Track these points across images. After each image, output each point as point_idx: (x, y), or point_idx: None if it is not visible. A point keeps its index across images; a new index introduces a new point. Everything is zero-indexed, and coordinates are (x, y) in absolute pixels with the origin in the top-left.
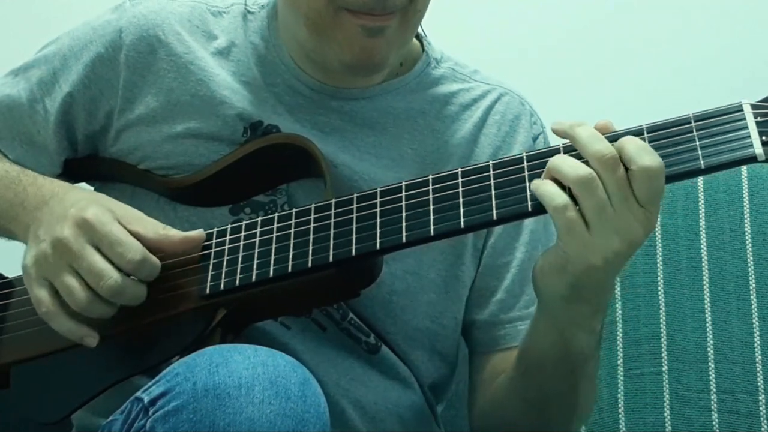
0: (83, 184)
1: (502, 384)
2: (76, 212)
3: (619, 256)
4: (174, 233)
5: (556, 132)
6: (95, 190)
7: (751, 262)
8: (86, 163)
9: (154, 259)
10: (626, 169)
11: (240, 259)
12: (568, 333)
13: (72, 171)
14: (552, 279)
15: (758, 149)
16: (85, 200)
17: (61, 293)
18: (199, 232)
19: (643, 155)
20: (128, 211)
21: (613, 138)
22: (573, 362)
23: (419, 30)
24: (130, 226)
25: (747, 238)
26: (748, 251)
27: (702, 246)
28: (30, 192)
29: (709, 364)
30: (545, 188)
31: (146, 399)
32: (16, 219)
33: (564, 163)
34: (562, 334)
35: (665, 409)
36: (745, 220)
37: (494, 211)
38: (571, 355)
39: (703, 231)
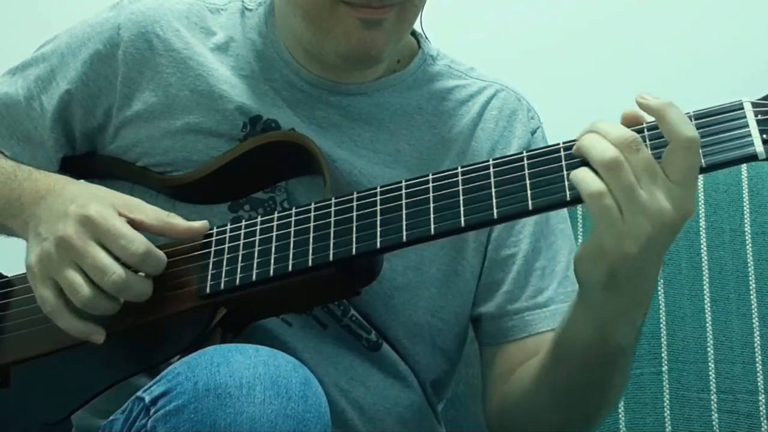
0: (81, 182)
1: (529, 373)
2: (78, 209)
3: (652, 241)
4: (178, 221)
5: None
6: None
7: (751, 262)
8: (84, 161)
9: (159, 252)
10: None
11: (240, 258)
12: (610, 326)
13: (70, 168)
14: (589, 267)
15: (759, 147)
16: (84, 195)
17: (65, 290)
18: (203, 223)
19: (684, 126)
20: (128, 201)
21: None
22: (609, 355)
23: (418, 28)
24: (131, 214)
25: (747, 238)
26: (748, 251)
27: (702, 246)
28: (26, 187)
29: (709, 364)
30: (581, 175)
31: (147, 398)
32: (13, 215)
33: (592, 146)
34: (603, 326)
35: (665, 409)
36: (745, 220)
37: (495, 210)
38: (609, 347)
39: (703, 231)
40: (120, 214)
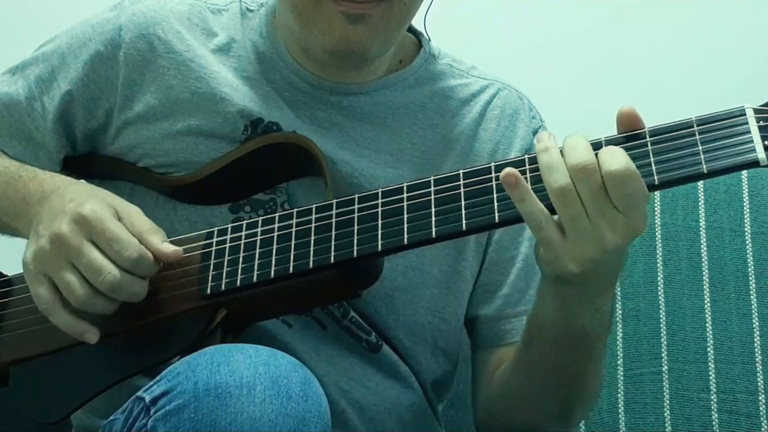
0: (82, 182)
1: (506, 367)
2: (74, 207)
3: (597, 261)
4: (152, 241)
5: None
6: None
7: (751, 262)
8: (85, 161)
9: (151, 256)
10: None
11: (241, 259)
12: (571, 307)
13: (71, 168)
14: (541, 266)
15: (761, 154)
16: (83, 195)
17: (60, 289)
18: (175, 251)
19: (610, 160)
20: (125, 207)
21: (614, 143)
22: (574, 337)
23: (420, 28)
24: (123, 221)
25: (747, 238)
26: (748, 251)
27: (702, 246)
28: (31, 187)
29: (709, 364)
30: (524, 208)
31: (147, 398)
32: (18, 216)
33: (549, 169)
34: (563, 305)
35: (665, 409)
36: (745, 220)
37: (496, 214)
38: (573, 329)
39: (703, 231)
40: (120, 219)
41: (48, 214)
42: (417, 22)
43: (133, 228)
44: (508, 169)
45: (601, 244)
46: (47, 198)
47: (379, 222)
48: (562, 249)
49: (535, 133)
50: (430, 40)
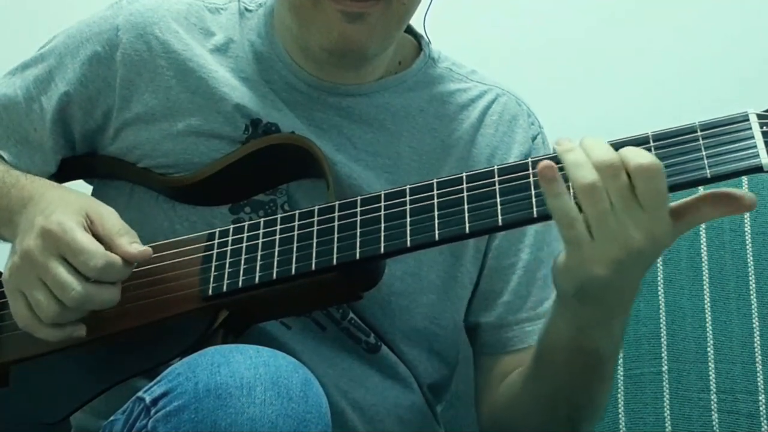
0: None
1: (515, 380)
2: (41, 221)
3: (621, 264)
4: (120, 243)
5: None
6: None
7: (751, 262)
8: (85, 161)
9: (119, 261)
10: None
11: (243, 260)
12: (585, 330)
13: (71, 169)
14: (562, 279)
15: (764, 159)
16: (53, 205)
17: (33, 307)
18: (141, 251)
19: (639, 154)
20: (97, 209)
21: (619, 146)
22: (586, 359)
23: (419, 29)
24: (92, 227)
25: (747, 238)
26: (748, 251)
27: (702, 246)
28: (13, 195)
29: (709, 364)
30: (558, 204)
31: (148, 399)
32: (4, 224)
33: (576, 166)
34: (578, 329)
35: (665, 409)
36: (745, 220)
37: (499, 217)
38: (586, 351)
39: (703, 231)
40: (91, 223)
41: (23, 228)
42: (417, 23)
43: (104, 230)
44: (546, 162)
45: (626, 243)
46: (25, 207)
47: (382, 225)
48: (589, 250)
49: (533, 139)
50: (430, 42)
